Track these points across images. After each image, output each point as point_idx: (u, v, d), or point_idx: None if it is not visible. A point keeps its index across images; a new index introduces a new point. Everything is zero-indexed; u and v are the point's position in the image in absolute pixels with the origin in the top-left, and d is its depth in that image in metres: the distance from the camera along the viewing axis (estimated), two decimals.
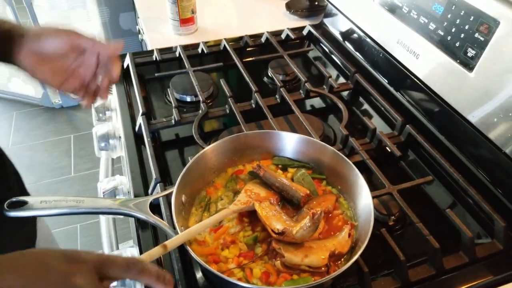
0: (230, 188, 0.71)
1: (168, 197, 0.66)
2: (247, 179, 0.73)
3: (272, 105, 0.93)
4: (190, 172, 0.67)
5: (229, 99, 0.91)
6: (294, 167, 0.74)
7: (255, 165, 0.71)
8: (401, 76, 0.93)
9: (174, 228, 0.60)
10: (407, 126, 0.86)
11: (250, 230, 0.64)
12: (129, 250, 0.70)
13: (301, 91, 0.99)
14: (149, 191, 0.75)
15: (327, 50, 1.15)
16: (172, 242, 0.56)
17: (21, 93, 2.67)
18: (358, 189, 0.66)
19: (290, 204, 0.68)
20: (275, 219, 0.62)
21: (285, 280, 0.57)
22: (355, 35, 1.10)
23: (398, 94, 0.95)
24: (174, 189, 0.63)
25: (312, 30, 1.19)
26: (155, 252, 0.54)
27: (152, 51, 1.12)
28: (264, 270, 0.59)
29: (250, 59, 1.13)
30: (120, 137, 0.95)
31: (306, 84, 0.97)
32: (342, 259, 0.60)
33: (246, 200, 0.66)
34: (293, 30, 1.20)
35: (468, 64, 0.75)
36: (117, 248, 0.83)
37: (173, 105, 0.90)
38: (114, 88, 1.04)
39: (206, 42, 1.15)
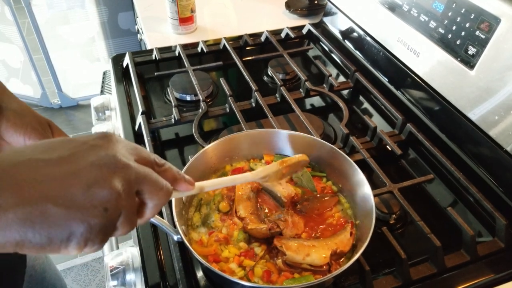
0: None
1: None
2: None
3: (272, 104, 0.93)
4: (191, 171, 0.66)
5: (229, 98, 0.91)
6: None
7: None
8: (402, 75, 0.93)
9: (175, 227, 0.60)
10: (408, 124, 0.85)
11: (240, 223, 0.64)
12: (129, 250, 0.70)
13: (301, 90, 0.99)
14: None
15: (327, 48, 1.15)
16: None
17: (19, 93, 2.66)
18: (359, 188, 0.66)
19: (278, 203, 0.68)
20: (244, 205, 0.65)
21: (286, 278, 0.57)
22: (355, 33, 1.10)
23: (398, 93, 0.95)
24: None
25: (312, 29, 1.18)
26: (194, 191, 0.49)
27: (151, 50, 1.12)
28: (265, 269, 0.58)
29: (250, 58, 1.12)
30: (119, 136, 0.94)
31: (306, 83, 0.97)
32: (344, 258, 0.60)
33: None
34: (292, 29, 1.20)
35: (469, 62, 0.75)
36: (117, 247, 0.83)
37: (173, 104, 0.90)
38: (113, 87, 1.04)
39: (205, 41, 1.15)
